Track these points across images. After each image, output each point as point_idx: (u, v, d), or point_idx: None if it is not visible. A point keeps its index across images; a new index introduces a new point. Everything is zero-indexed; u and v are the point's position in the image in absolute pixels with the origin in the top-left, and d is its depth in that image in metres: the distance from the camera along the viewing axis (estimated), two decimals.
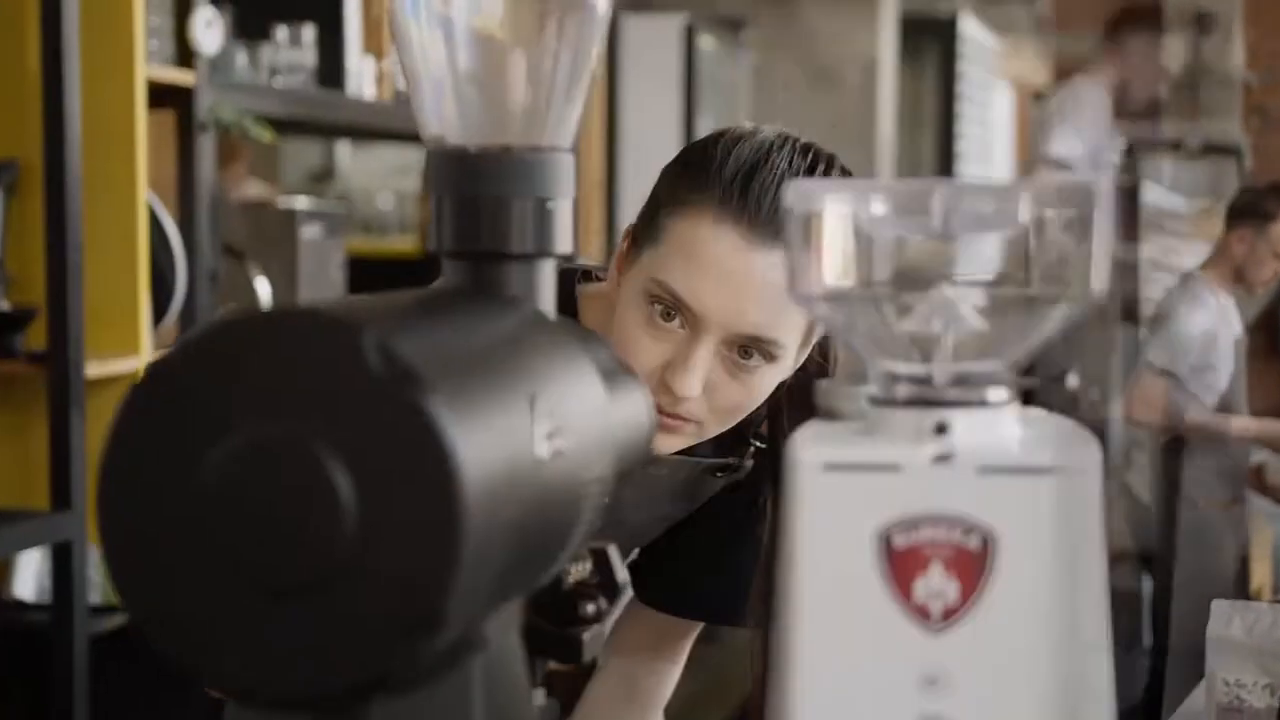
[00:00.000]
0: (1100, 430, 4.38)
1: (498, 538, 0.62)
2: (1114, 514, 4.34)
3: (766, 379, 1.24)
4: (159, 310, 2.52)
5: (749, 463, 1.38)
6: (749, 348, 1.22)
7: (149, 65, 2.50)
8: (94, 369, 2.35)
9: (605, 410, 0.75)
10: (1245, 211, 4.17)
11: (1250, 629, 1.88)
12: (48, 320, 2.29)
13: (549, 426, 0.67)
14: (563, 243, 0.77)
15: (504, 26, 0.78)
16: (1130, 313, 4.77)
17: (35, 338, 2.34)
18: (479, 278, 0.76)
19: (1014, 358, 0.69)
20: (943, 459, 0.66)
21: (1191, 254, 7.76)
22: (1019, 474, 0.65)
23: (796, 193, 0.67)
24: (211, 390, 0.60)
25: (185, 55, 2.60)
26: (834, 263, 0.68)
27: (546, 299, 0.77)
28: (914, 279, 0.70)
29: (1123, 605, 4.04)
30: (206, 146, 2.60)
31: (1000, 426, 0.67)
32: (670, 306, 1.21)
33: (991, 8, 8.62)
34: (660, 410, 1.22)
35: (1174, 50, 4.40)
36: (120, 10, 2.41)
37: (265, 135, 2.69)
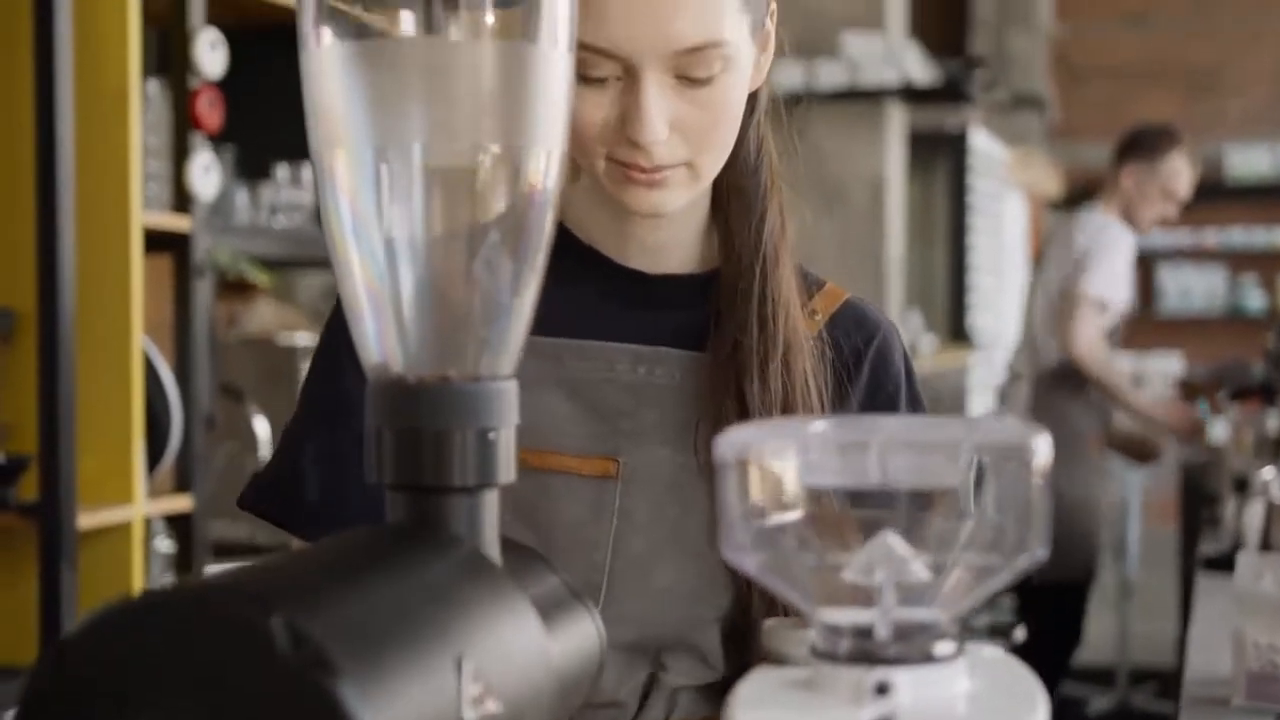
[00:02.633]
0: None
1: None
2: None
3: (732, 90, 1.13)
4: (154, 457, 2.51)
5: None
6: (694, 65, 1.10)
7: (147, 211, 2.50)
8: (86, 519, 2.33)
9: (544, 653, 0.73)
10: (1135, 149, 4.28)
11: None
12: (39, 472, 2.28)
13: (478, 688, 0.65)
14: (506, 472, 0.75)
15: (446, 249, 0.76)
16: None
17: (28, 488, 2.32)
18: (420, 512, 0.74)
19: (960, 610, 0.66)
20: None
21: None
22: None
23: (728, 443, 0.65)
24: (113, 675, 0.58)
25: (183, 199, 2.61)
26: (768, 511, 0.66)
27: (489, 532, 0.75)
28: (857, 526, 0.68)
29: None
30: (203, 290, 2.61)
31: (947, 684, 0.65)
32: (592, 63, 1.09)
33: (1001, 118, 8.68)
34: (640, 169, 1.12)
35: (1179, 169, 4.41)
36: (117, 158, 2.42)
37: (262, 278, 2.69)
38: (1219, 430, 5.27)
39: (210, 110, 2.60)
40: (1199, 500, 4.40)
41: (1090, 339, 4.15)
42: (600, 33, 1.07)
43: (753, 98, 1.21)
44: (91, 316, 2.38)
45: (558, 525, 1.17)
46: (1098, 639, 5.99)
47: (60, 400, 2.29)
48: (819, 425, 0.69)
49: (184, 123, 2.59)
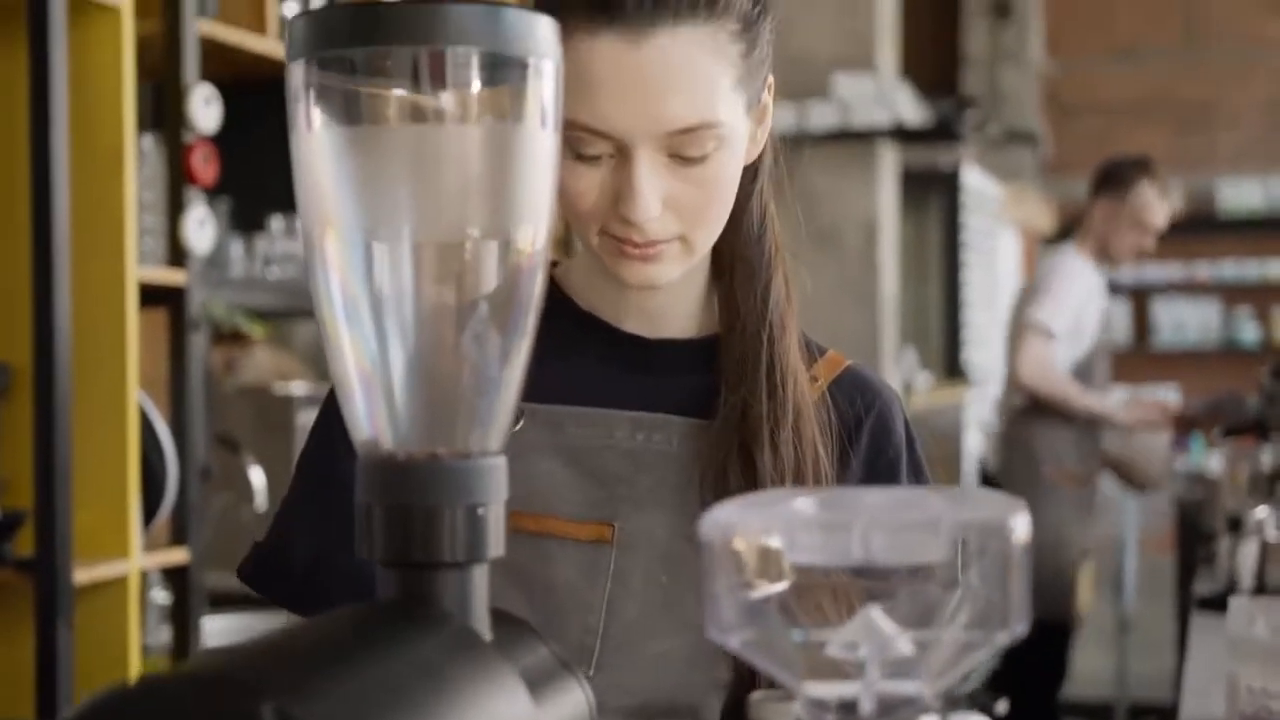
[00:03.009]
0: None
1: None
2: None
3: (725, 168, 1.13)
4: (150, 510, 2.52)
5: None
6: (687, 145, 1.10)
7: (142, 266, 2.52)
8: (83, 574, 2.34)
9: None
10: (1104, 182, 4.27)
11: (1277, 628, 1.74)
12: (35, 526, 2.29)
13: None
14: (495, 547, 0.76)
15: (435, 327, 0.77)
16: None
17: (24, 543, 2.33)
18: (410, 588, 0.75)
19: (943, 684, 0.67)
20: None
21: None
22: None
23: (712, 523, 0.67)
24: None
25: (178, 254, 2.62)
26: (753, 588, 0.67)
27: (479, 606, 0.76)
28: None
29: None
30: (198, 344, 2.62)
31: None
32: (586, 141, 1.10)
33: (994, 154, 8.72)
34: (633, 244, 1.13)
35: (1148, 200, 4.33)
36: (112, 213, 2.44)
37: (257, 331, 2.70)
38: (1214, 464, 5.28)
39: (205, 165, 2.62)
40: (1195, 537, 4.40)
41: (1034, 361, 4.16)
42: (593, 113, 1.08)
43: (754, 167, 1.22)
44: (87, 371, 2.39)
45: (552, 588, 1.18)
46: (1096, 674, 5.99)
47: (56, 455, 2.30)
48: (802, 503, 0.70)
49: (179, 178, 2.60)
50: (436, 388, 0.76)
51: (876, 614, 0.67)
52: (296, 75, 0.75)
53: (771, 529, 0.67)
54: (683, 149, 1.11)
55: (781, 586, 0.68)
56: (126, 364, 2.42)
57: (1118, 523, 5.73)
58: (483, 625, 0.75)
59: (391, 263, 0.75)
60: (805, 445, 1.20)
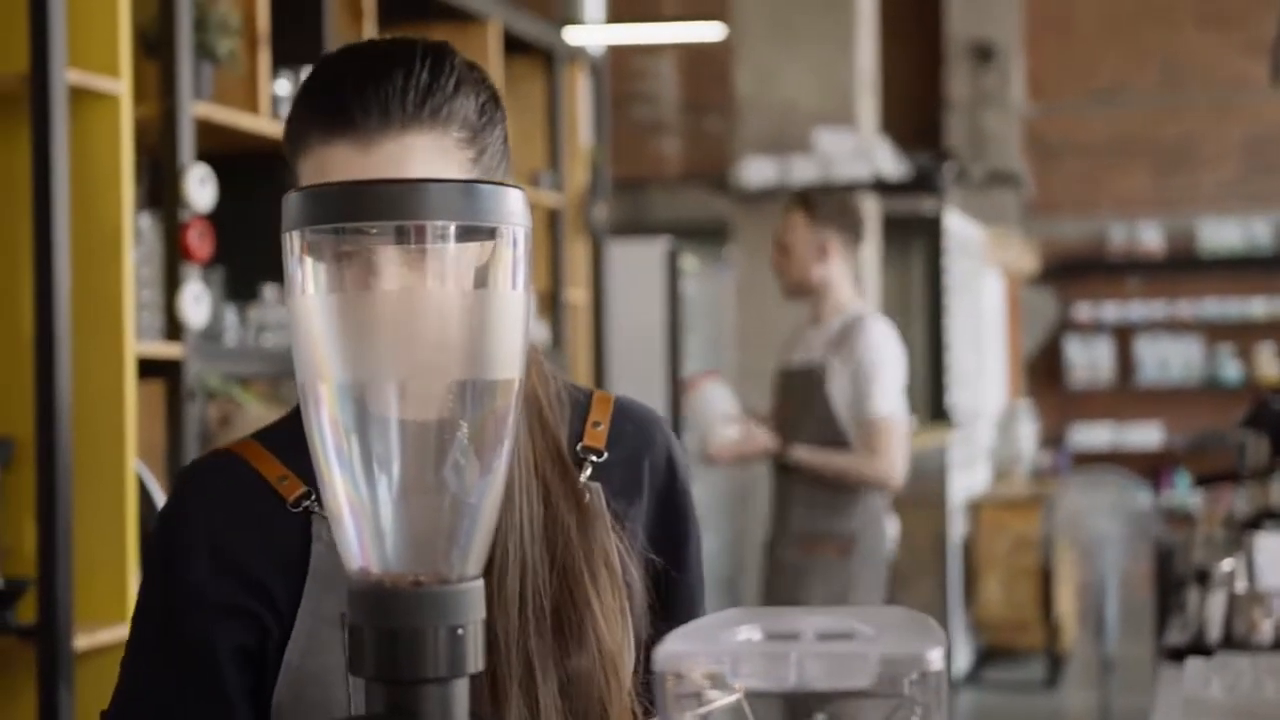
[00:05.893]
0: None
1: None
2: None
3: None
4: None
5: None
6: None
7: (140, 340, 2.60)
8: (84, 640, 2.42)
9: None
10: None
11: (1231, 687, 1.79)
12: (38, 594, 2.36)
13: None
14: (474, 662, 0.84)
15: (418, 468, 0.86)
16: None
17: (26, 610, 2.41)
18: (397, 701, 0.83)
19: None
20: None
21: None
22: None
23: (665, 654, 0.75)
24: None
25: (174, 327, 2.70)
26: (701, 710, 0.76)
27: (460, 716, 0.84)
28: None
29: None
30: (194, 413, 2.70)
31: None
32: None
33: (978, 197, 8.82)
34: None
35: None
36: (111, 290, 2.52)
37: (250, 400, 2.79)
38: (1196, 502, 5.35)
39: (200, 242, 2.71)
40: (1171, 581, 4.46)
41: None
42: None
43: None
44: (87, 443, 2.47)
45: None
46: (1080, 713, 6.07)
47: (58, 525, 2.38)
48: (746, 631, 0.78)
49: (175, 255, 2.69)
50: (420, 519, 0.85)
51: None
52: (293, 244, 0.84)
53: (718, 658, 0.76)
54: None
55: (728, 703, 0.77)
56: (125, 435, 2.51)
57: (1098, 563, 5.81)
58: None
59: (378, 407, 0.85)
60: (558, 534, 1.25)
